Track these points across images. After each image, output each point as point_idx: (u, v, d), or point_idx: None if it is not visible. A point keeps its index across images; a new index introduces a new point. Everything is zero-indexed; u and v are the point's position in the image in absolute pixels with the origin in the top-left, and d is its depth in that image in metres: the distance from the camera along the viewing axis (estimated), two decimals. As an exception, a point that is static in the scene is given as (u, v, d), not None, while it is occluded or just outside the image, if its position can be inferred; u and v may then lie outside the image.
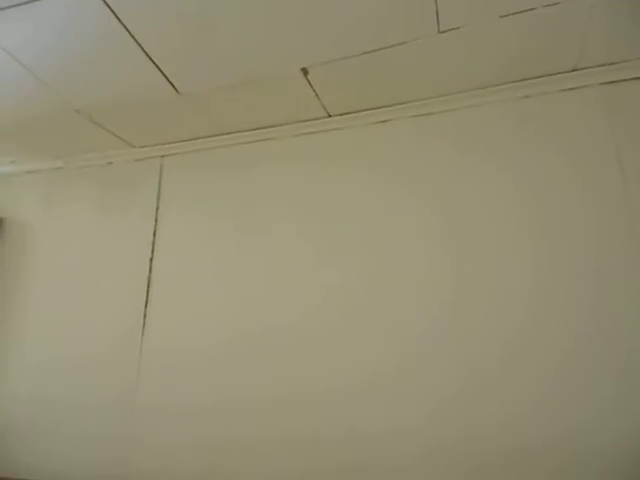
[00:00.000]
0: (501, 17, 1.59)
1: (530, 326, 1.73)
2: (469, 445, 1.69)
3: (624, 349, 1.62)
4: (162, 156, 2.56)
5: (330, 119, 2.20)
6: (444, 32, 1.65)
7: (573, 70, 1.87)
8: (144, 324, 2.27)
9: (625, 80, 1.85)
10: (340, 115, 2.18)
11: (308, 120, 2.23)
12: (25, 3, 1.55)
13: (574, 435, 1.60)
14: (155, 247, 2.41)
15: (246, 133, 2.34)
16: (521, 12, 1.57)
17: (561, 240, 1.78)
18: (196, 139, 2.45)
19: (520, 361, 1.71)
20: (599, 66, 1.84)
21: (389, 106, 2.10)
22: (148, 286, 2.34)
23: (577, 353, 1.66)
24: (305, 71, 1.84)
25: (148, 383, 2.17)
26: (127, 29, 1.65)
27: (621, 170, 1.78)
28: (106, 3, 1.54)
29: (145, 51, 1.76)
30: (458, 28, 1.64)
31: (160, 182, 2.52)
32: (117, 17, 1.60)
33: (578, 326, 1.68)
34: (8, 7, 1.56)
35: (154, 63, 1.82)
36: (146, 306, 2.31)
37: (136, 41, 1.71)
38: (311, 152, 2.23)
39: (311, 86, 1.94)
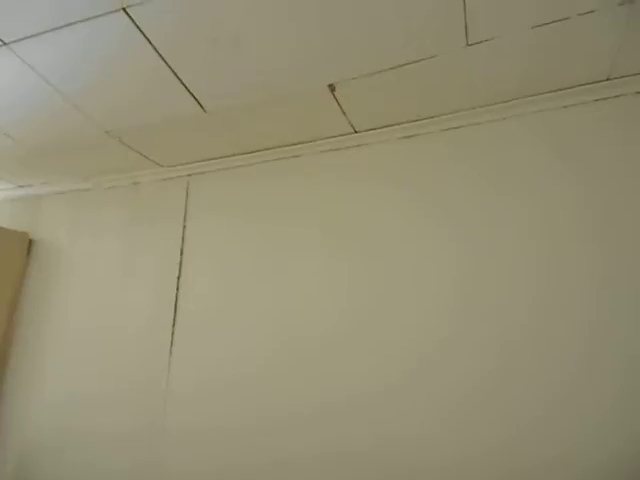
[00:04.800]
0: (533, 27, 1.56)
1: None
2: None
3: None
4: (189, 175, 2.58)
5: (356, 135, 2.18)
6: (472, 45, 1.63)
7: (607, 79, 1.82)
8: (172, 343, 2.26)
9: (663, 88, 1.80)
10: (366, 131, 2.16)
11: (334, 136, 2.22)
12: (58, 28, 1.59)
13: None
14: (182, 266, 2.41)
15: (272, 151, 2.34)
16: (554, 22, 1.54)
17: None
18: (222, 157, 2.46)
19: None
20: (634, 75, 1.79)
21: (415, 121, 2.07)
22: (176, 305, 2.34)
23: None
24: (332, 87, 1.83)
25: (176, 407, 2.16)
26: (156, 50, 1.67)
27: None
28: (136, 25, 1.56)
29: (174, 71, 1.78)
30: (487, 40, 1.61)
31: (187, 201, 2.53)
32: (146, 38, 1.62)
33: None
34: (45, 32, 1.60)
35: (182, 83, 1.83)
36: (174, 325, 2.30)
37: (165, 62, 1.73)
38: (337, 169, 2.22)
39: (337, 102, 1.93)
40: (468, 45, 1.63)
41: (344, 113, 2.01)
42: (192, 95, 1.89)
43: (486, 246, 1.86)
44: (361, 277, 2.02)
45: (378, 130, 2.15)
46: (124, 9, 1.52)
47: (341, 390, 1.90)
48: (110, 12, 1.53)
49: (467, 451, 1.67)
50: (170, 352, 2.25)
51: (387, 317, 1.92)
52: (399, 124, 2.10)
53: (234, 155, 2.43)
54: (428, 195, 2.02)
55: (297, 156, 2.32)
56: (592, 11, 1.49)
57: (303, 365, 1.99)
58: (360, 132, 2.17)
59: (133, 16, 1.54)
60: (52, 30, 1.60)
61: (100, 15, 1.55)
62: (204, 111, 1.99)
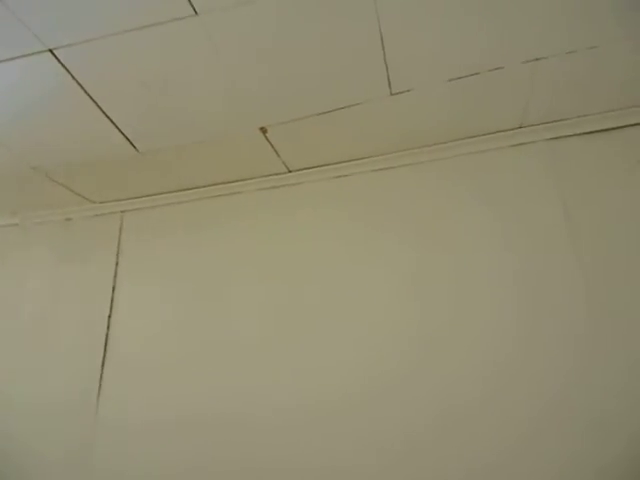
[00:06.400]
0: (449, 80, 1.68)
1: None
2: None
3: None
4: (122, 212, 2.54)
5: (290, 174, 2.24)
6: (396, 94, 1.73)
7: (520, 127, 1.97)
8: (100, 386, 2.18)
9: (568, 136, 1.96)
10: (299, 170, 2.22)
11: (269, 175, 2.26)
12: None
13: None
14: (114, 303, 2.35)
15: (207, 188, 2.35)
16: (467, 76, 1.66)
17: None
18: (157, 195, 2.44)
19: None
20: (543, 123, 1.95)
21: (347, 162, 2.15)
22: (106, 345, 2.26)
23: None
24: (264, 130, 1.88)
25: (104, 451, 2.06)
26: (85, 91, 1.67)
27: (567, 219, 1.85)
28: (63, 66, 1.56)
29: (104, 112, 1.77)
30: (409, 91, 1.72)
31: (120, 238, 2.48)
32: (75, 79, 1.61)
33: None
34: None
35: (113, 123, 1.83)
36: (103, 366, 2.22)
37: (95, 102, 1.72)
38: (272, 206, 2.25)
39: (270, 144, 1.98)
40: (392, 94, 1.73)
41: (277, 154, 2.07)
42: (124, 135, 1.89)
43: (418, 285, 1.94)
44: (300, 310, 2.04)
45: (311, 170, 2.21)
46: (51, 50, 1.51)
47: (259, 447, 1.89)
48: (36, 52, 1.52)
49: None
50: (98, 395, 2.16)
51: (314, 360, 1.94)
52: (331, 164, 2.18)
53: (169, 192, 2.42)
54: (362, 233, 2.08)
55: (233, 194, 2.33)
56: (500, 67, 1.62)
57: (237, 417, 1.96)
58: (294, 171, 2.23)
59: (60, 57, 1.54)
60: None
61: (26, 55, 1.54)
62: (137, 150, 1.99)
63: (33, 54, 1.53)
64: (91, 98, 1.69)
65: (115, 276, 2.40)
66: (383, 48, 1.52)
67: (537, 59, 1.61)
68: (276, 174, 2.26)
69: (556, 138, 1.97)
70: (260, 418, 1.91)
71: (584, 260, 1.78)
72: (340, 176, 2.20)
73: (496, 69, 1.63)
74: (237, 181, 2.31)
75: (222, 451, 1.91)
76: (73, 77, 1.61)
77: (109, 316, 2.32)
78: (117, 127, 1.84)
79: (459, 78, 1.66)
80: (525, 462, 1.59)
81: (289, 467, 1.82)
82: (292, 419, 1.87)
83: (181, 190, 2.40)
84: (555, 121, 1.94)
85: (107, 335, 2.28)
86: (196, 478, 1.90)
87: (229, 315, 2.13)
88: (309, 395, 1.89)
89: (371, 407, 1.80)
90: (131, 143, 1.93)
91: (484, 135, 2.00)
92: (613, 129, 1.91)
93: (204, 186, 2.35)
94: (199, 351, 2.10)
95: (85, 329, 2.32)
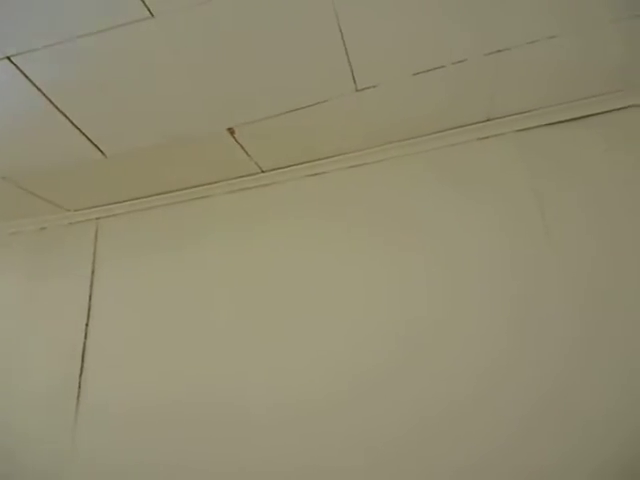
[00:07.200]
0: (414, 75, 1.68)
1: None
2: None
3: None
4: (97, 218, 2.51)
5: (264, 174, 2.23)
6: (362, 90, 1.73)
7: (487, 120, 1.98)
8: (78, 395, 2.15)
9: (536, 127, 1.97)
10: (273, 170, 2.21)
11: (242, 176, 2.25)
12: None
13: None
14: (91, 311, 2.32)
15: (180, 192, 2.33)
16: (432, 70, 1.67)
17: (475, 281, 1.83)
18: (132, 200, 2.42)
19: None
20: (510, 115, 1.96)
21: (319, 160, 2.15)
22: (83, 354, 2.23)
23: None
24: (232, 131, 1.87)
25: (83, 458, 2.04)
26: (47, 97, 1.65)
27: (540, 209, 1.86)
28: (22, 72, 1.54)
29: (68, 118, 1.75)
30: (375, 86, 1.72)
31: (95, 245, 2.46)
32: (35, 85, 1.59)
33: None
34: None
35: (78, 129, 1.81)
36: (81, 374, 2.19)
37: (57, 109, 1.70)
38: (246, 208, 2.24)
39: (240, 144, 1.97)
40: (357, 90, 1.73)
41: (248, 154, 2.06)
42: (90, 140, 1.87)
43: (396, 276, 1.93)
44: (282, 309, 2.03)
45: (284, 169, 2.20)
46: (8, 57, 1.49)
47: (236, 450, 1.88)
48: (-6, 60, 1.50)
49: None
50: (77, 405, 2.13)
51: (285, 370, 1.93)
52: (304, 163, 2.17)
53: (144, 197, 2.40)
54: (339, 231, 2.08)
55: (206, 197, 2.32)
56: (464, 60, 1.63)
57: (214, 421, 1.95)
58: (267, 171, 2.22)
59: (19, 64, 1.52)
60: None
61: (-16, 63, 1.52)
62: (104, 156, 1.97)
63: (-9, 61, 1.51)
64: (53, 104, 1.67)
65: (91, 284, 2.37)
66: (344, 44, 1.51)
67: (499, 50, 1.61)
68: (250, 175, 2.25)
69: (524, 129, 1.98)
70: (245, 416, 1.90)
71: (558, 248, 1.79)
72: (314, 174, 2.20)
73: (459, 62, 1.63)
74: (210, 183, 2.30)
75: (204, 447, 1.90)
76: (33, 84, 1.59)
77: (86, 324, 2.30)
78: (82, 132, 1.82)
79: (424, 72, 1.67)
80: (515, 461, 1.58)
81: (274, 466, 1.81)
82: (278, 417, 1.86)
83: (155, 195, 2.38)
84: (522, 112, 1.95)
85: (85, 344, 2.25)
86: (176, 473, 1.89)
87: (210, 315, 2.12)
88: (294, 394, 1.88)
89: (358, 406, 1.79)
90: (97, 147, 1.91)
91: (453, 129, 2.01)
92: (580, 118, 1.93)
93: (177, 190, 2.34)
94: (179, 351, 2.09)
95: (60, 340, 2.28)
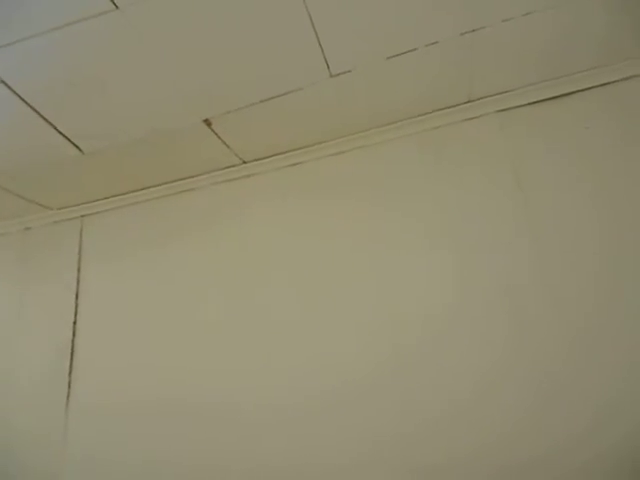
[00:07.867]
0: (388, 58, 1.66)
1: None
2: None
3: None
4: (82, 216, 2.50)
5: (245, 165, 2.21)
6: (336, 75, 1.70)
7: (468, 101, 1.96)
8: (68, 393, 2.15)
9: (517, 107, 1.95)
10: (254, 161, 2.19)
11: (224, 168, 2.23)
12: None
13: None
14: (79, 309, 2.32)
15: (163, 186, 2.32)
16: (405, 53, 1.64)
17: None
18: (115, 196, 2.41)
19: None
20: (491, 96, 1.93)
21: (301, 149, 2.13)
22: (72, 352, 2.23)
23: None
24: (208, 122, 1.85)
25: (74, 454, 2.04)
26: (17, 93, 1.62)
27: (519, 188, 1.85)
28: (-10, 72, 1.52)
29: (42, 116, 1.73)
30: (350, 71, 1.69)
31: (81, 243, 2.45)
32: (3, 82, 1.57)
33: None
34: None
35: (53, 126, 1.79)
36: (70, 373, 2.19)
37: (31, 107, 1.68)
38: (230, 200, 2.22)
39: (218, 136, 1.95)
40: (332, 76, 1.71)
41: (227, 145, 2.04)
42: (64, 136, 1.84)
43: (388, 261, 1.92)
44: (260, 306, 2.02)
45: (266, 159, 2.18)
46: (-25, 56, 1.47)
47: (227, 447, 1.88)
48: (-39, 59, 1.48)
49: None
50: (67, 402, 2.14)
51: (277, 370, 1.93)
52: (285, 152, 2.15)
53: (127, 193, 2.38)
54: (320, 221, 2.06)
55: (189, 190, 2.31)
56: (436, 42, 1.60)
57: (206, 419, 1.94)
58: (249, 162, 2.20)
59: (-14, 62, 1.50)
60: None
61: (-50, 62, 1.49)
62: (81, 152, 1.95)
63: (-42, 60, 1.49)
64: (24, 101, 1.65)
65: (78, 282, 2.37)
66: (314, 29, 1.49)
67: (474, 30, 1.59)
68: (232, 166, 2.23)
69: (505, 110, 1.96)
70: (236, 413, 1.90)
71: (536, 227, 1.78)
72: (295, 164, 2.18)
73: (432, 44, 1.61)
74: (193, 176, 2.28)
75: (195, 443, 1.91)
76: (2, 80, 1.56)
77: (74, 322, 2.29)
78: (56, 129, 1.80)
79: (397, 55, 1.64)
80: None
81: (264, 462, 1.81)
82: (269, 414, 1.86)
83: (138, 190, 2.36)
84: (503, 92, 1.93)
85: (73, 342, 2.25)
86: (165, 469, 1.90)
87: (198, 310, 2.11)
88: (296, 392, 1.87)
89: (353, 403, 1.78)
90: (73, 144, 1.89)
91: (434, 112, 1.99)
92: (560, 96, 1.90)
93: (161, 184, 2.32)
94: (168, 347, 2.09)
95: (49, 338, 2.28)
